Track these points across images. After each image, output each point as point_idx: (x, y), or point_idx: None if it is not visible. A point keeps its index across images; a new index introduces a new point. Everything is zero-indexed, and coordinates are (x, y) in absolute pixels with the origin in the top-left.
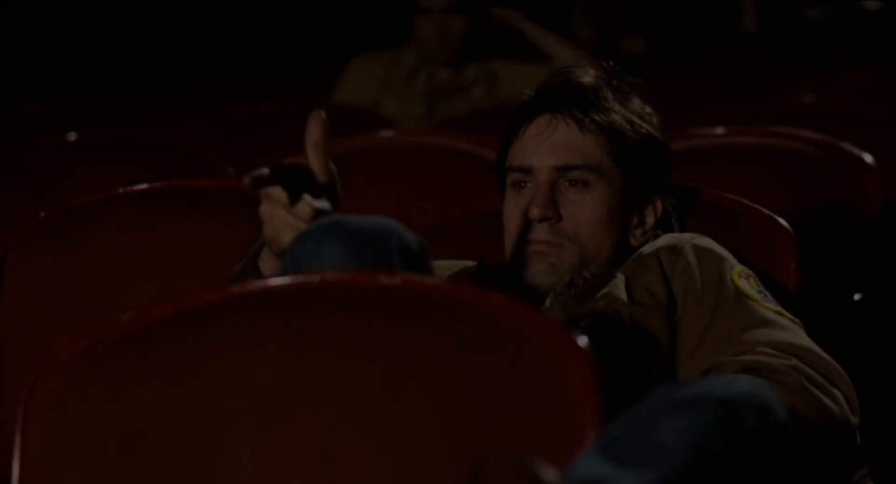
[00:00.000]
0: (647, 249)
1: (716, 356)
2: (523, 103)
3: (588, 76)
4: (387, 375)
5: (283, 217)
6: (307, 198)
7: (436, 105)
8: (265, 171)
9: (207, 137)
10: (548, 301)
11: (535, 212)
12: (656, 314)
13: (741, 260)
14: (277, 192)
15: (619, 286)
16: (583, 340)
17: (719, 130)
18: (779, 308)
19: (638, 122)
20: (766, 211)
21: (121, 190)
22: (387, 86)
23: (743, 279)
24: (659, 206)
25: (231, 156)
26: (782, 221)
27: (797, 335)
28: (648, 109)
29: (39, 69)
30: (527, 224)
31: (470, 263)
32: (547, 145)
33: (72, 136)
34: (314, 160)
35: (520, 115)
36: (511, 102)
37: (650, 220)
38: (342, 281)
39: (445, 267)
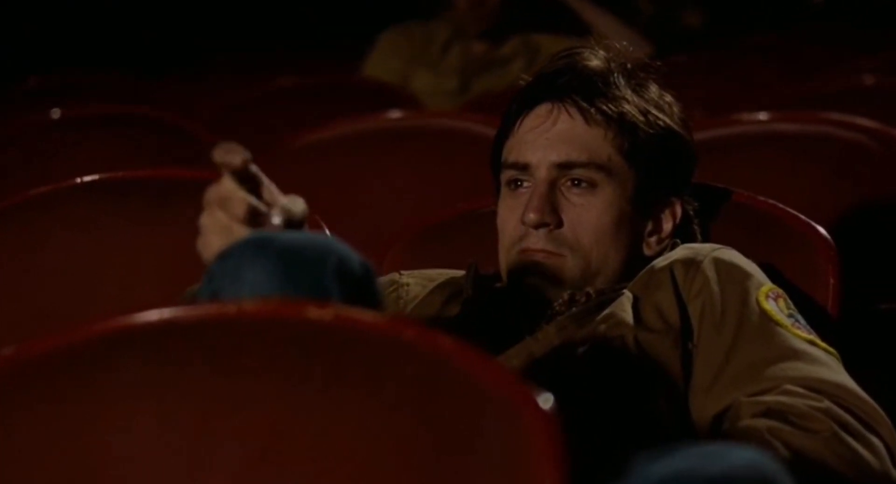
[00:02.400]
0: (661, 262)
1: (734, 394)
2: (521, 90)
3: (596, 59)
4: (311, 428)
5: (218, 218)
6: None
7: (470, 80)
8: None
9: (218, 114)
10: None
11: (531, 216)
12: (667, 340)
13: (772, 276)
14: (225, 192)
15: (624, 306)
16: (546, 401)
17: (762, 116)
18: (812, 336)
19: (654, 112)
20: (803, 218)
21: (78, 180)
22: (418, 60)
23: (771, 301)
24: (678, 210)
25: (245, 133)
26: (822, 230)
27: (831, 370)
28: (668, 98)
29: (54, 40)
30: (523, 230)
31: (459, 273)
32: (546, 139)
33: (55, 114)
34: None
35: (516, 104)
36: None
37: (667, 226)
38: (262, 313)
39: (430, 277)
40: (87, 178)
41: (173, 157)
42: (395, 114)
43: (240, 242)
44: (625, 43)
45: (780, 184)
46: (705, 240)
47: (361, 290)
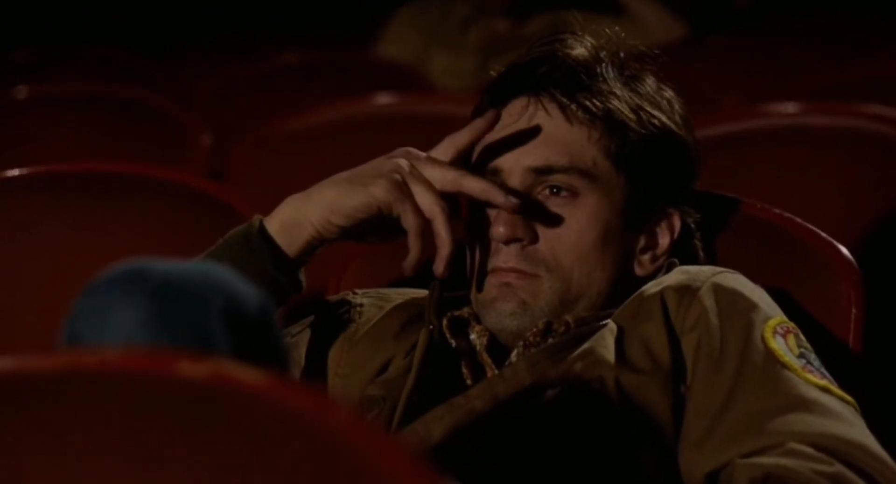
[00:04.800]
0: (651, 288)
1: (731, 451)
2: (492, 81)
3: (581, 47)
4: None
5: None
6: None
7: (491, 59)
8: None
9: (219, 91)
10: (514, 354)
11: (500, 230)
12: (654, 383)
13: (784, 305)
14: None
15: (605, 341)
16: None
17: (790, 108)
18: (825, 381)
19: (648, 109)
20: (823, 235)
21: (17, 171)
22: (436, 38)
23: (779, 337)
24: (676, 222)
25: (244, 112)
26: (844, 251)
27: (845, 424)
28: (667, 93)
29: (54, 12)
30: (493, 246)
31: (421, 293)
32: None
33: (21, 93)
34: None
35: (487, 98)
36: None
37: (663, 241)
38: (127, 365)
39: (387, 297)
40: (17, 172)
41: (149, 140)
42: (386, 98)
43: (109, 275)
44: (655, 22)
45: (805, 187)
46: (709, 258)
47: (256, 338)
